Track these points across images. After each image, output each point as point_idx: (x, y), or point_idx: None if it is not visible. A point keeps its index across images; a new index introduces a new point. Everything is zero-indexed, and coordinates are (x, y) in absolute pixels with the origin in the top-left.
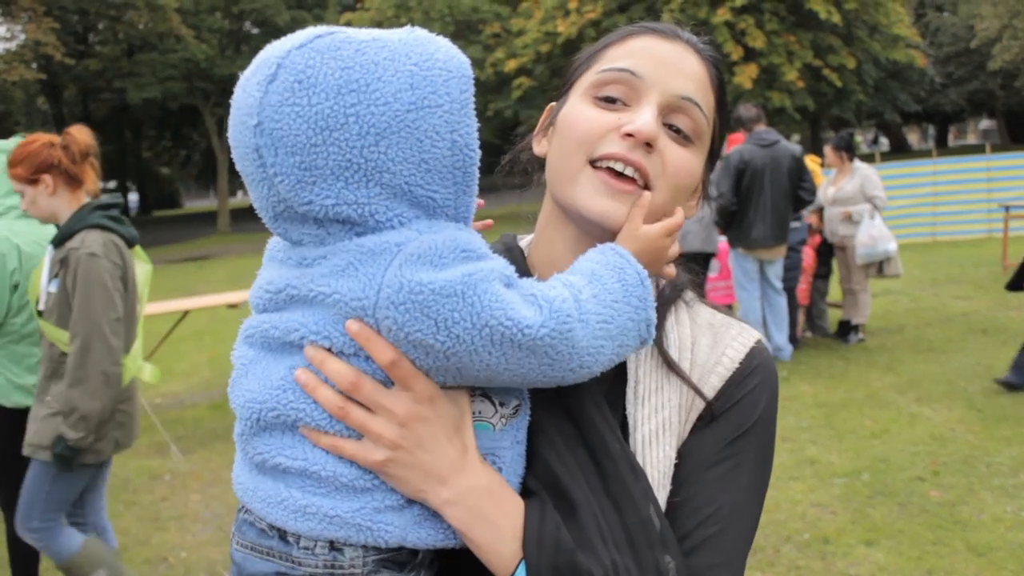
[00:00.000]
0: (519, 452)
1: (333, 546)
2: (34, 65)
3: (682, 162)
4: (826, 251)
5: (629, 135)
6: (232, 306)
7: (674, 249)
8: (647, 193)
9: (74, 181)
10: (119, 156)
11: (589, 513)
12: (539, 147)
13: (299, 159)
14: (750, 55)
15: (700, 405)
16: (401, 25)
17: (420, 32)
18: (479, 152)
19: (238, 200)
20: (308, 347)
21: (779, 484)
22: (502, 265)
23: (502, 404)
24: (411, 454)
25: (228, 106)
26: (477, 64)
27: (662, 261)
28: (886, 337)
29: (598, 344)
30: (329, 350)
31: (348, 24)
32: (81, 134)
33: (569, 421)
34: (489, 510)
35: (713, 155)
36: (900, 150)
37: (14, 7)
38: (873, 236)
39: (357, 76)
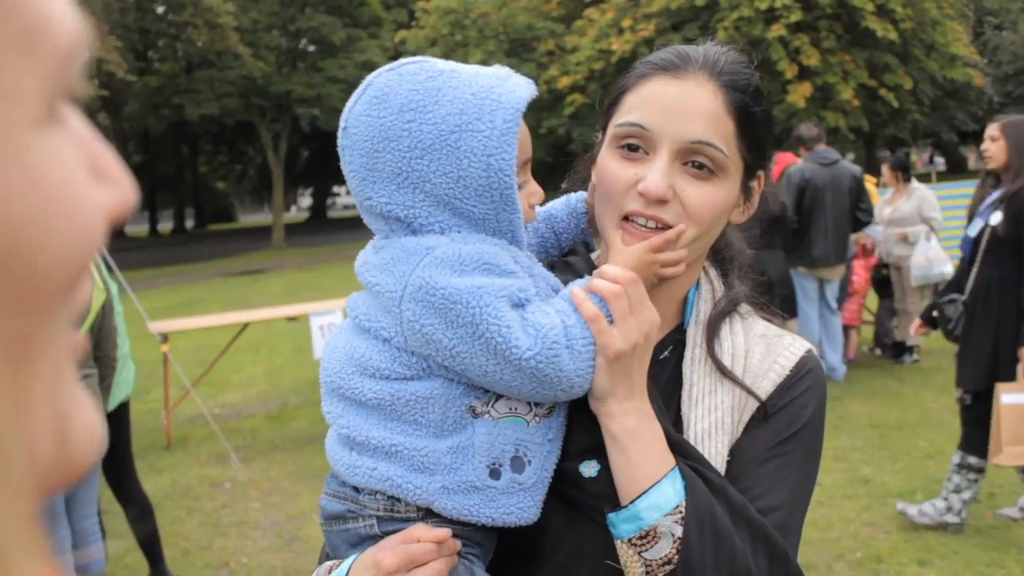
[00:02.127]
0: (549, 450)
1: (388, 494)
2: (97, 82)
3: (702, 199)
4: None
5: (642, 194)
6: (292, 319)
7: (675, 256)
8: (678, 229)
9: None
10: (176, 171)
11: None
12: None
13: (365, 161)
14: (804, 73)
15: (752, 407)
16: (455, 42)
17: (502, 70)
18: (515, 179)
19: (292, 215)
20: (573, 291)
21: (832, 503)
22: (518, 285)
23: (537, 404)
24: (631, 361)
25: (283, 122)
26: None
27: (651, 274)
28: (940, 358)
29: (586, 367)
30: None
31: (402, 42)
32: None
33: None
34: (651, 431)
35: (752, 169)
36: (957, 170)
37: None
38: (929, 258)
39: (420, 98)
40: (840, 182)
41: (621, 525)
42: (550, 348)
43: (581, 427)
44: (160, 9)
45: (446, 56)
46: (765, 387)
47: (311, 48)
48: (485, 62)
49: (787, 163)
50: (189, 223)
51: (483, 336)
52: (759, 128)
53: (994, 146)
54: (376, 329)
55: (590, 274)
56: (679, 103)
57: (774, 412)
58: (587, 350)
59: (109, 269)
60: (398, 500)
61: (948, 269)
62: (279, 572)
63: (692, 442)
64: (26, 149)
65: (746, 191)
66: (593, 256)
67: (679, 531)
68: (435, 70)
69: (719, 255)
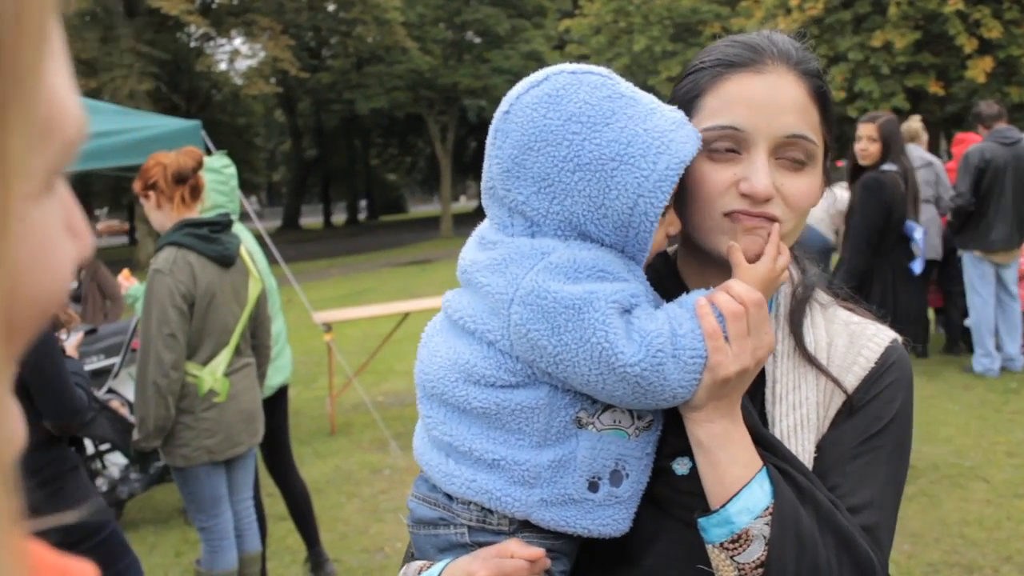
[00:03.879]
0: (646, 464)
1: (484, 506)
2: (272, 79)
3: (802, 190)
4: None
5: (747, 195)
6: None
7: (786, 259)
8: (775, 226)
9: (171, 200)
10: (349, 164)
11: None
12: None
13: (515, 153)
14: (985, 47)
15: (839, 401)
16: (619, 29)
17: (677, 114)
18: (657, 225)
19: (461, 205)
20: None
21: (1002, 501)
22: (631, 290)
23: (639, 417)
24: (739, 382)
25: (451, 114)
26: None
27: (775, 289)
28: None
29: (691, 377)
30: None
31: (567, 31)
32: (183, 157)
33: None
34: (739, 435)
35: (828, 150)
36: None
37: (255, 27)
38: None
39: (592, 113)
40: (1022, 162)
41: (712, 529)
42: (655, 356)
43: (672, 427)
44: (331, 7)
45: (609, 43)
46: (850, 380)
47: (476, 40)
48: (650, 48)
49: (969, 143)
50: (361, 215)
51: (588, 342)
52: (831, 110)
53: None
54: (481, 332)
55: (671, 273)
56: (769, 99)
57: (860, 406)
58: (694, 362)
59: (273, 261)
60: (492, 512)
61: None
62: None
63: (779, 438)
64: (28, 215)
65: (826, 175)
66: (670, 251)
67: (769, 532)
68: (616, 91)
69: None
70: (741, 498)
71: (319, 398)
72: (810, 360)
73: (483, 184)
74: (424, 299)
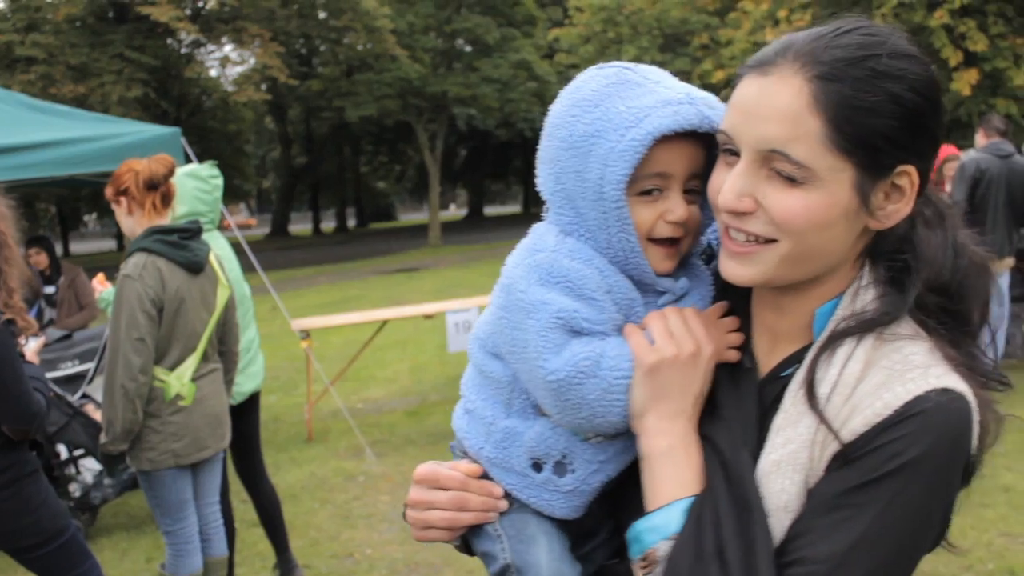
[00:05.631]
0: (597, 469)
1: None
2: (262, 87)
3: (789, 207)
4: None
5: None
6: (428, 316)
7: (731, 339)
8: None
9: (142, 206)
10: (338, 171)
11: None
12: None
13: (543, 142)
14: (970, 59)
15: (835, 447)
16: (608, 39)
17: (680, 94)
18: (621, 193)
19: (450, 213)
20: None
21: (966, 510)
22: (586, 314)
23: None
24: (669, 375)
25: (440, 122)
26: (684, 76)
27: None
28: None
29: (613, 399)
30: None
31: (556, 40)
32: (155, 164)
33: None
34: (683, 455)
35: (877, 166)
36: None
37: (244, 34)
38: None
39: (591, 98)
40: (1016, 175)
41: (631, 544)
42: (575, 376)
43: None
44: (321, 15)
45: (599, 52)
46: (854, 425)
47: (466, 48)
48: (638, 58)
49: (946, 155)
50: (351, 222)
51: (525, 349)
52: (881, 120)
53: None
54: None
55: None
56: (755, 105)
57: (857, 456)
58: (618, 383)
59: (254, 269)
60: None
61: None
62: (400, 564)
63: (760, 472)
64: None
65: (865, 195)
66: None
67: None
68: (623, 78)
69: (899, 262)
70: (655, 517)
71: (298, 405)
72: (808, 399)
73: None
74: (402, 307)
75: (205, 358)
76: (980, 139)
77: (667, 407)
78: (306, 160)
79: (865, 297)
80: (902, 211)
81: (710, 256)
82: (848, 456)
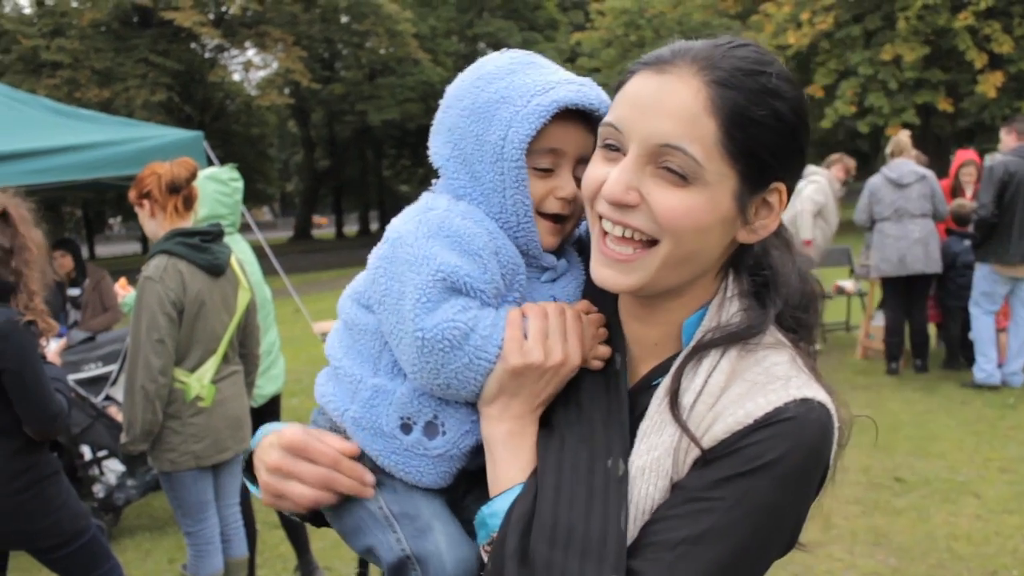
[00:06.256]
0: (467, 432)
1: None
2: (285, 91)
3: (671, 206)
4: None
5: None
6: None
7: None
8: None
9: (164, 209)
10: (361, 175)
11: (560, 507)
12: None
13: (439, 116)
14: (995, 62)
15: (696, 452)
16: (630, 42)
17: (581, 80)
18: (521, 154)
19: None
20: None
21: (991, 516)
22: (469, 271)
23: None
24: (527, 380)
25: None
26: None
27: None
28: None
29: (470, 375)
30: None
31: (578, 44)
32: (177, 167)
33: (583, 441)
34: (521, 439)
35: (755, 181)
36: None
37: (267, 39)
38: None
39: (495, 72)
40: None
41: (478, 531)
42: (441, 341)
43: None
44: (344, 19)
45: (620, 56)
46: (716, 432)
47: (489, 52)
48: None
49: (963, 160)
50: (374, 226)
51: (402, 298)
52: (766, 134)
53: None
54: (370, 260)
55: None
56: (652, 101)
57: (717, 457)
58: (479, 363)
59: (276, 272)
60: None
61: None
62: None
63: (630, 478)
64: None
65: (743, 205)
66: None
67: None
68: (528, 60)
69: (759, 273)
70: (498, 501)
71: None
72: (671, 408)
73: None
74: None
75: (226, 360)
76: (1009, 141)
77: (515, 404)
78: (329, 164)
79: (730, 309)
80: (770, 226)
81: (580, 247)
82: (708, 458)
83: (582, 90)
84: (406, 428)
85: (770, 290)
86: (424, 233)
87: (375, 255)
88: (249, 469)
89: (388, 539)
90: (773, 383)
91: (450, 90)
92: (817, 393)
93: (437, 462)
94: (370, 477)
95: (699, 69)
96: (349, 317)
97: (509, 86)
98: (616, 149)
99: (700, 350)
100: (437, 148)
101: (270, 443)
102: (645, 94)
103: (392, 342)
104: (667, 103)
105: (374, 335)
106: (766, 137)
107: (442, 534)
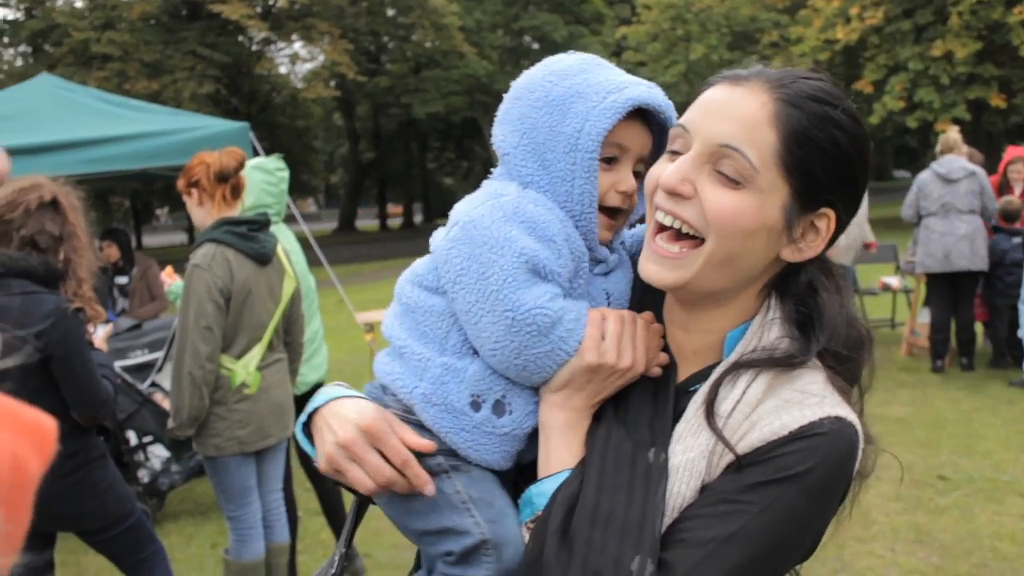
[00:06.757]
0: (530, 412)
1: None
2: (331, 83)
3: (722, 204)
4: None
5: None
6: None
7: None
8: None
9: (212, 198)
10: (405, 168)
11: (603, 493)
12: None
13: (505, 107)
14: None
15: (730, 458)
16: (676, 36)
17: (650, 84)
18: (597, 147)
19: None
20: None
21: (1016, 523)
22: (547, 256)
23: None
24: (597, 377)
25: None
26: None
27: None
28: None
29: (546, 362)
30: None
31: (624, 38)
32: (225, 157)
33: (628, 435)
34: (574, 434)
35: (804, 200)
36: None
37: (313, 31)
38: None
39: (568, 70)
40: None
41: (523, 509)
42: (530, 324)
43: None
44: (390, 12)
45: (666, 50)
46: (751, 440)
47: (534, 46)
48: (707, 56)
49: (1012, 157)
50: (418, 218)
51: (488, 277)
52: (823, 158)
53: None
54: (434, 245)
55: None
56: (720, 106)
57: (751, 464)
58: (557, 353)
59: (321, 263)
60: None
61: None
62: None
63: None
64: None
65: (790, 221)
66: None
67: None
68: (598, 62)
69: (804, 306)
70: (547, 482)
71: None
72: (707, 413)
73: None
74: None
75: (271, 348)
76: None
77: (578, 398)
78: (373, 156)
79: (772, 332)
80: (816, 249)
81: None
82: (741, 464)
83: (651, 91)
84: (475, 405)
85: (814, 325)
86: (500, 217)
87: (442, 238)
88: (305, 426)
89: (466, 522)
90: (809, 399)
91: (518, 83)
92: (849, 414)
93: (503, 441)
94: (431, 487)
95: (771, 87)
96: (411, 300)
97: (583, 83)
98: (679, 152)
99: (740, 367)
100: (504, 136)
101: (347, 417)
102: (716, 100)
103: (468, 320)
104: (734, 110)
105: (440, 316)
106: (822, 160)
107: (515, 520)
